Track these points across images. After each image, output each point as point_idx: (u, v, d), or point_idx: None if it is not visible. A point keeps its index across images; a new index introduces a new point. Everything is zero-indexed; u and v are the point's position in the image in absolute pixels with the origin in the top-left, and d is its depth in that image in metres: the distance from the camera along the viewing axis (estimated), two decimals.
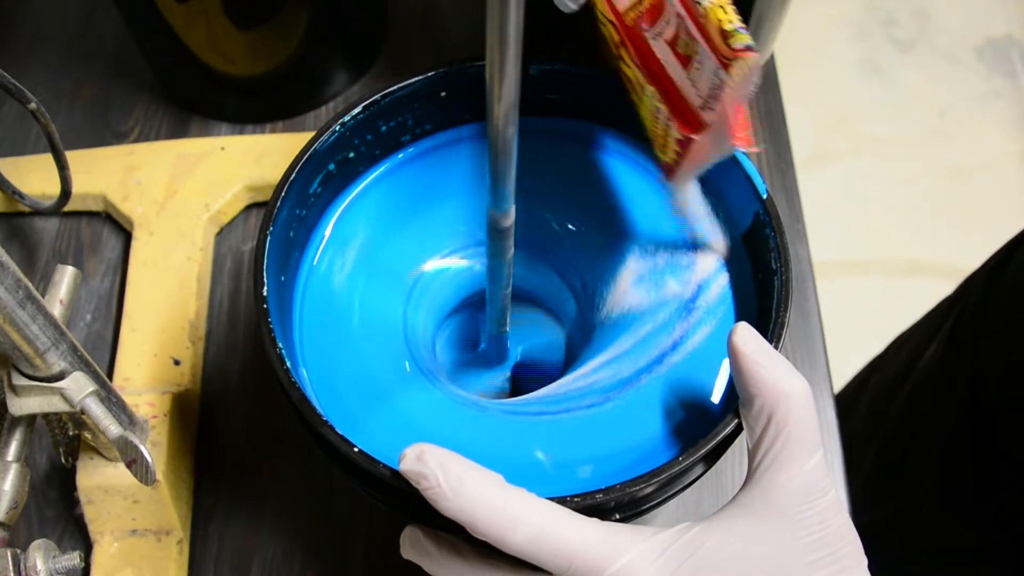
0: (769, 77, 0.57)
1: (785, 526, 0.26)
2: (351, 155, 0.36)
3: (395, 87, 0.35)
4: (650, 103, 0.31)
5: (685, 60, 0.28)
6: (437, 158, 0.38)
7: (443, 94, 0.36)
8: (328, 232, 0.37)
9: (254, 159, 0.51)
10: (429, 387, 0.33)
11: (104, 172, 0.50)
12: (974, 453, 0.51)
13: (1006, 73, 1.57)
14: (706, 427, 0.29)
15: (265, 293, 0.30)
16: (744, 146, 0.29)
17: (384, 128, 0.36)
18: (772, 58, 0.56)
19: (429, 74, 0.35)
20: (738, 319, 0.33)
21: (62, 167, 0.44)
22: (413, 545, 0.28)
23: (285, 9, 0.49)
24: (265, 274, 0.31)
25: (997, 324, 0.49)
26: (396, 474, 0.26)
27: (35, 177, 0.50)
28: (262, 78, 0.53)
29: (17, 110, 0.55)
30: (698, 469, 0.30)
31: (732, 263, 0.35)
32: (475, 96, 0.37)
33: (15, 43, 0.59)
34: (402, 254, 0.37)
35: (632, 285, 0.35)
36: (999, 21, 1.63)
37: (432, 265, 0.37)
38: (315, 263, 0.36)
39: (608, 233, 0.36)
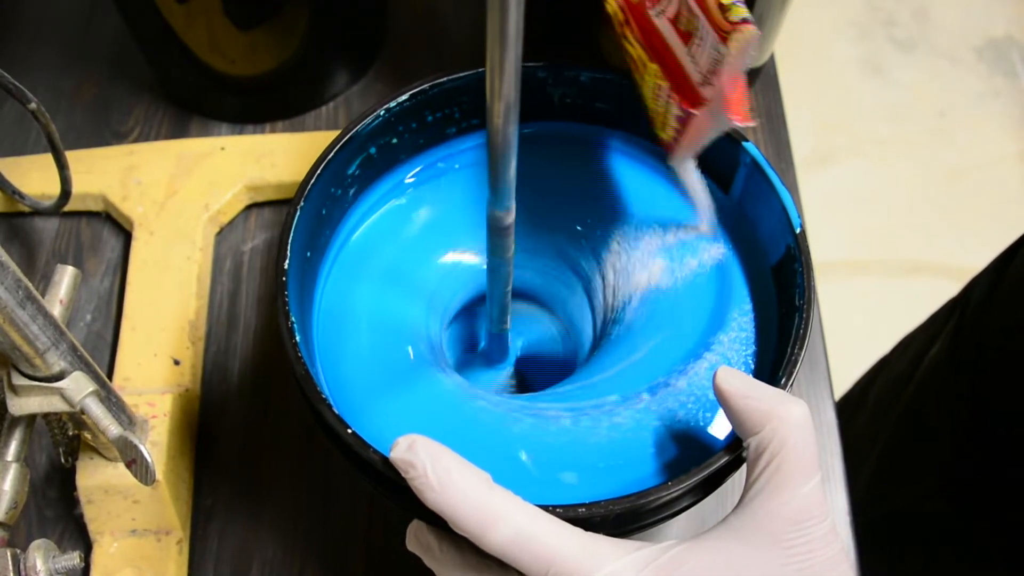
0: (769, 77, 0.56)
1: (773, 552, 0.25)
2: (394, 141, 0.36)
3: (445, 79, 0.35)
4: (652, 81, 0.31)
5: (686, 37, 0.29)
6: (481, 159, 0.38)
7: None
8: (366, 215, 0.37)
9: (254, 159, 0.51)
10: (439, 381, 0.33)
11: (104, 172, 0.50)
12: (977, 450, 0.51)
13: (1006, 73, 1.57)
14: (704, 458, 0.28)
15: (286, 266, 0.30)
16: (741, 120, 0.29)
17: (430, 118, 0.36)
18: (772, 58, 0.56)
19: (481, 70, 0.35)
20: (758, 352, 0.33)
21: (62, 167, 0.44)
22: (417, 537, 0.28)
23: (285, 9, 0.49)
24: (289, 248, 0.31)
25: (1000, 322, 0.49)
26: (386, 461, 0.26)
27: (35, 177, 0.50)
28: (262, 78, 0.53)
29: (17, 110, 0.55)
30: (687, 499, 0.30)
31: (757, 294, 0.34)
32: (526, 96, 0.36)
33: (15, 43, 0.59)
34: (430, 250, 0.37)
35: (649, 296, 0.35)
36: (999, 21, 1.63)
37: (457, 263, 0.37)
38: (347, 244, 0.36)
39: (627, 242, 0.36)
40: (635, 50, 0.32)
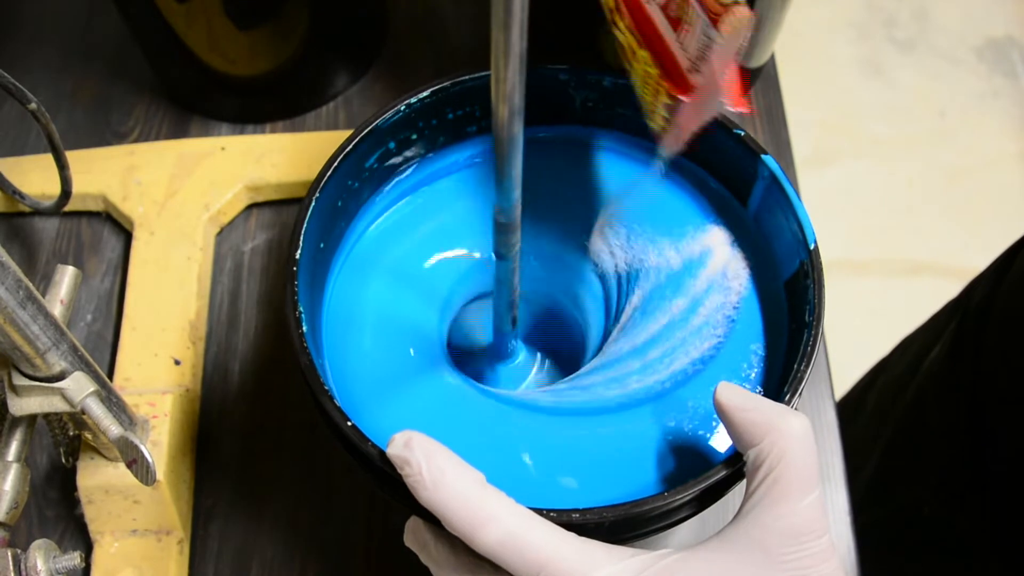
0: (769, 77, 0.57)
1: (768, 566, 0.25)
2: (413, 136, 0.36)
3: (467, 76, 0.35)
4: (641, 69, 0.31)
5: (676, 23, 0.29)
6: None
7: None
8: (382, 210, 0.36)
9: (254, 159, 0.51)
10: (445, 379, 0.33)
11: (104, 172, 0.50)
12: (977, 452, 0.51)
13: (1006, 73, 1.57)
14: (707, 470, 0.28)
15: (298, 256, 0.30)
16: (736, 106, 0.28)
17: (451, 115, 0.36)
18: (772, 58, 0.56)
19: None
20: (766, 365, 0.33)
21: (62, 167, 0.44)
22: (414, 534, 0.28)
23: (285, 9, 0.49)
24: (302, 238, 0.31)
25: (1000, 324, 0.49)
26: (384, 456, 0.26)
27: (35, 177, 0.50)
28: (262, 78, 0.53)
29: (17, 110, 0.55)
30: (684, 510, 0.29)
31: (768, 308, 0.34)
32: (547, 99, 0.36)
33: (15, 43, 0.59)
34: (442, 247, 0.37)
35: (658, 304, 0.35)
36: (999, 21, 1.63)
37: (466, 261, 0.37)
38: (362, 239, 0.36)
39: (641, 249, 0.36)
40: (625, 37, 0.32)
